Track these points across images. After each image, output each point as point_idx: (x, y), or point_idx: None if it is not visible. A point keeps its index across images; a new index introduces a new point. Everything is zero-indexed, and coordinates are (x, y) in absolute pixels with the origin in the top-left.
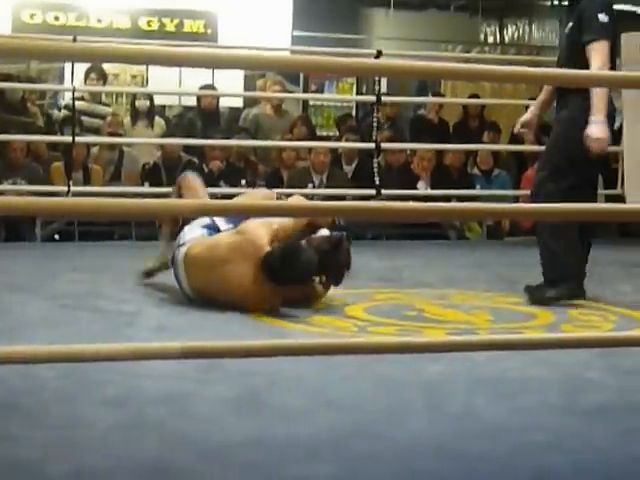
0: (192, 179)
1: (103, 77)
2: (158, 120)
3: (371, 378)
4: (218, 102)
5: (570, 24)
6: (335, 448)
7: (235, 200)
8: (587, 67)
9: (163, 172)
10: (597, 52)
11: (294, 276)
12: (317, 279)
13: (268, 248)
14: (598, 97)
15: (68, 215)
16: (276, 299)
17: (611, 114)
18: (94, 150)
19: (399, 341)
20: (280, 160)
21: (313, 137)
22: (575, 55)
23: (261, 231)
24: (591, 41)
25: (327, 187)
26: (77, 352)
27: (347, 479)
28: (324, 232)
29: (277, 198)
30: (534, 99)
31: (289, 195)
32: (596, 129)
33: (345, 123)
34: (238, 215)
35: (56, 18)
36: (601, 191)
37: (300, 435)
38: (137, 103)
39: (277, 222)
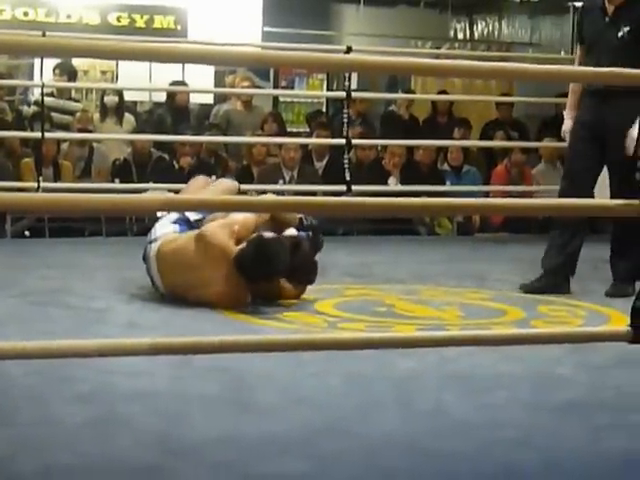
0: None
1: (71, 74)
2: (128, 116)
3: (341, 374)
4: (188, 98)
5: (626, 28)
6: (306, 445)
7: (200, 194)
8: None
9: (133, 168)
10: None
11: (268, 271)
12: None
13: (236, 248)
14: None
15: (37, 211)
16: (247, 296)
17: None
18: (64, 146)
19: (369, 337)
20: (250, 156)
21: (284, 133)
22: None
23: (222, 235)
24: None
25: (298, 183)
26: (47, 349)
27: (318, 476)
28: (291, 231)
29: (245, 193)
30: (505, 95)
31: (260, 192)
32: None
33: (315, 119)
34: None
35: (25, 14)
36: None
37: (271, 432)
38: (105, 99)
39: (239, 222)
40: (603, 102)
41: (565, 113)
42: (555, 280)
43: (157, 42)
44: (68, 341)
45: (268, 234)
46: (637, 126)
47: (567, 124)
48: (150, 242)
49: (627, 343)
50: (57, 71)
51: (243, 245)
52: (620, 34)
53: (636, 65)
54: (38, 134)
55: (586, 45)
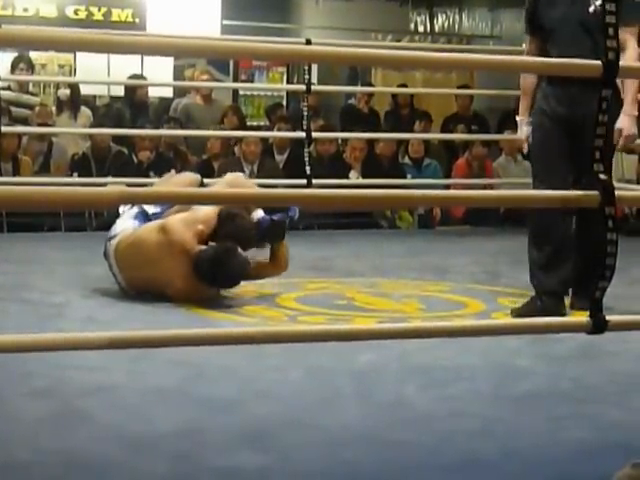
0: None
1: (31, 67)
2: (84, 110)
3: (302, 367)
4: (147, 92)
5: (597, 1)
6: (266, 438)
7: (159, 187)
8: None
9: (92, 163)
10: (629, 38)
11: (224, 280)
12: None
13: (197, 248)
14: (630, 88)
15: None
16: (207, 292)
17: None
18: (23, 141)
19: (329, 329)
20: (209, 150)
21: (244, 127)
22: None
23: (186, 232)
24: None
25: (258, 177)
26: (3, 343)
27: (278, 469)
28: (259, 213)
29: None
30: (464, 87)
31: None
32: (629, 123)
33: (275, 112)
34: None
35: None
36: (530, 180)
37: (230, 425)
38: (59, 92)
39: (201, 219)
40: (580, 93)
41: (519, 119)
42: (549, 302)
43: (115, 35)
44: (25, 335)
45: (229, 244)
46: (627, 118)
47: (525, 131)
48: (110, 239)
49: (586, 334)
50: (22, 65)
51: (203, 248)
52: (591, 8)
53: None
54: None
55: (545, 32)
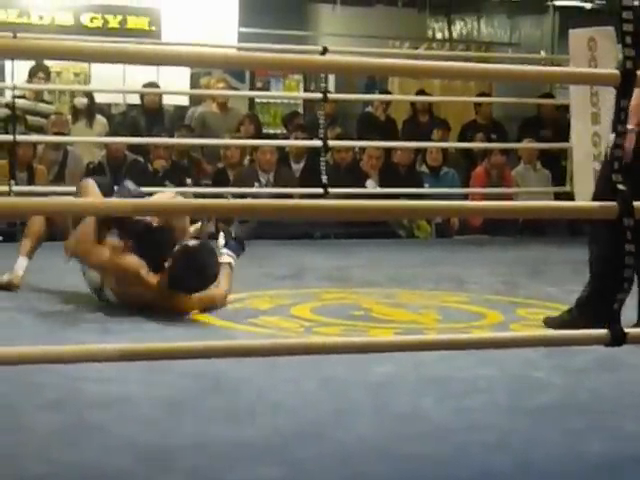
0: (91, 186)
1: (48, 75)
2: (100, 118)
3: (317, 379)
4: (161, 100)
5: None
6: (280, 451)
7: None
8: None
9: (108, 171)
10: None
11: (204, 279)
12: None
13: (153, 277)
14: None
15: (9, 216)
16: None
17: None
18: (38, 150)
19: (345, 341)
20: (226, 159)
21: (260, 135)
22: None
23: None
24: None
25: (274, 186)
26: (14, 354)
27: None
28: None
29: (222, 197)
30: (483, 95)
31: (237, 195)
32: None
33: (292, 121)
34: None
35: None
36: (550, 188)
37: (245, 438)
38: (75, 101)
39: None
40: None
41: None
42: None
43: (131, 43)
44: (38, 347)
45: (190, 242)
46: None
47: None
48: None
49: (605, 346)
50: (41, 74)
51: (170, 264)
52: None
53: None
54: (9, 137)
55: None
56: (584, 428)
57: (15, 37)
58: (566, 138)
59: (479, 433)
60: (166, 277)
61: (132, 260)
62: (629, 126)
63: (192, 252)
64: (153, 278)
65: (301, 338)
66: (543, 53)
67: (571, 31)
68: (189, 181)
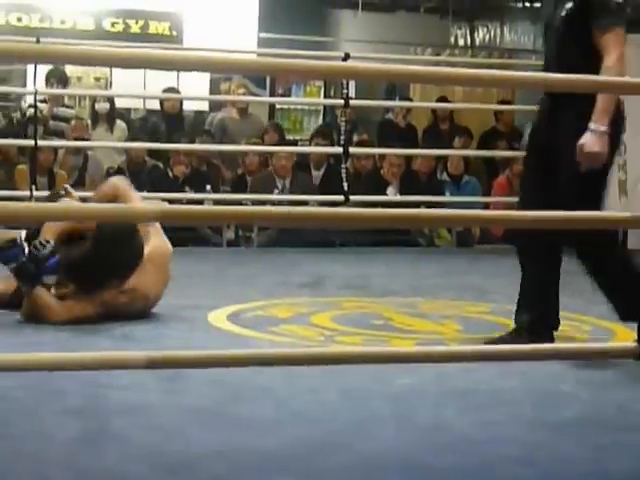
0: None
1: (63, 80)
2: (120, 123)
3: (338, 389)
4: (181, 105)
5: (568, 4)
6: (302, 461)
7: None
8: (591, 59)
9: (128, 177)
10: (613, 42)
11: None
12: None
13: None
14: (603, 99)
15: (29, 221)
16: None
17: (618, 122)
18: (59, 154)
19: (366, 351)
20: (245, 165)
21: (283, 143)
22: (575, 43)
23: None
24: (606, 27)
25: (291, 192)
26: (38, 361)
27: None
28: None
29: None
30: (505, 102)
31: (253, 202)
32: (592, 139)
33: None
34: None
35: (19, 19)
36: None
37: (266, 448)
38: (97, 106)
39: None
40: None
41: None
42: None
43: (152, 48)
44: (62, 354)
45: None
46: (591, 134)
47: None
48: None
49: (634, 360)
50: (52, 80)
51: (87, 247)
52: (562, 13)
53: (577, 52)
54: (31, 142)
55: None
56: (610, 444)
57: (38, 42)
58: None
59: (503, 446)
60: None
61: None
62: (602, 128)
63: (111, 230)
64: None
65: (322, 347)
66: None
67: None
68: (208, 187)
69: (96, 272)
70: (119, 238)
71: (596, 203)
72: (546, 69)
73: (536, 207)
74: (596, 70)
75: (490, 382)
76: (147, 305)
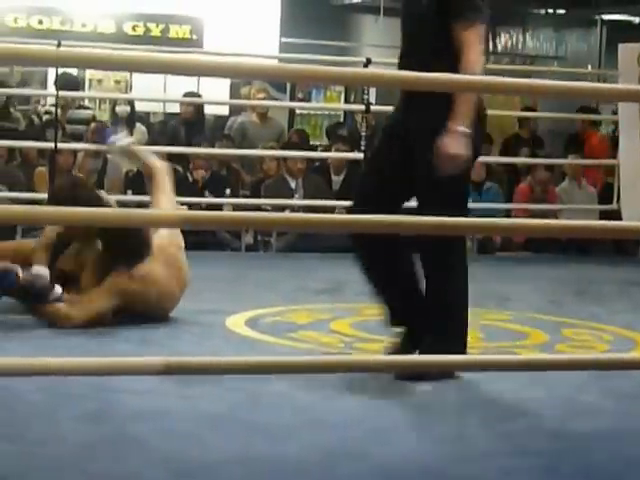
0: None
1: (72, 85)
2: (139, 127)
3: (358, 396)
4: (202, 110)
5: None
6: (320, 468)
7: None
8: (447, 53)
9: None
10: (474, 40)
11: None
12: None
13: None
14: (461, 97)
15: (49, 224)
16: None
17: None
18: (78, 158)
19: (387, 359)
20: (262, 171)
21: (307, 150)
22: (434, 34)
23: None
24: (469, 23)
25: (305, 193)
26: (55, 365)
27: None
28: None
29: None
30: (528, 109)
31: (276, 207)
32: (451, 141)
33: (336, 132)
34: None
35: (40, 22)
36: (597, 206)
37: (285, 454)
38: (117, 109)
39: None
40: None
41: None
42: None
43: (172, 52)
44: (78, 358)
45: None
46: (451, 135)
47: None
48: None
49: None
50: (59, 86)
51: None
52: (424, 1)
53: (436, 46)
54: (52, 144)
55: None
56: (635, 455)
57: (59, 46)
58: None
59: (525, 458)
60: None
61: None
62: (461, 128)
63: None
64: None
65: (342, 354)
66: (590, 67)
67: (621, 45)
68: (228, 192)
69: (105, 260)
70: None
71: (460, 208)
72: (402, 56)
73: (377, 210)
74: (449, 64)
75: (512, 391)
76: (161, 298)
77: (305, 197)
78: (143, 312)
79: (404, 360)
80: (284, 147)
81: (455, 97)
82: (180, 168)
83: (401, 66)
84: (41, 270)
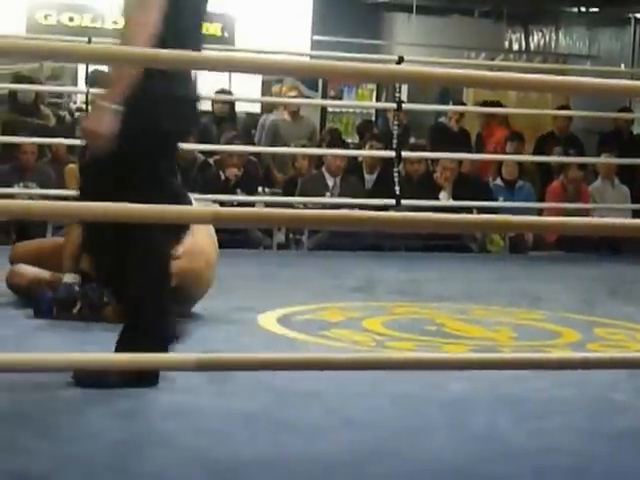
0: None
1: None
2: None
3: (390, 395)
4: (234, 107)
5: None
6: (352, 467)
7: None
8: None
9: (178, 174)
10: None
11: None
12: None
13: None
14: (115, 72)
15: (81, 220)
16: None
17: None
18: None
19: (419, 357)
20: (295, 168)
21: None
22: None
23: None
24: None
25: (341, 192)
26: (85, 361)
27: None
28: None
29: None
30: (562, 108)
31: (305, 204)
32: (93, 117)
33: (367, 130)
34: None
35: (71, 19)
36: (629, 205)
37: (316, 453)
38: None
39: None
40: None
41: None
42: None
43: (203, 49)
44: (110, 354)
45: None
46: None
47: None
48: None
49: None
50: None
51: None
52: None
53: None
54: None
55: None
56: None
57: (90, 42)
58: None
59: (557, 456)
60: None
61: None
62: (106, 103)
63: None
64: None
65: (374, 352)
66: (623, 66)
67: None
68: (260, 189)
69: None
70: None
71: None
72: None
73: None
74: None
75: (544, 390)
76: (210, 266)
77: (340, 195)
78: (197, 291)
79: (433, 358)
80: (320, 145)
81: (111, 72)
82: (211, 161)
83: None
84: (70, 278)
